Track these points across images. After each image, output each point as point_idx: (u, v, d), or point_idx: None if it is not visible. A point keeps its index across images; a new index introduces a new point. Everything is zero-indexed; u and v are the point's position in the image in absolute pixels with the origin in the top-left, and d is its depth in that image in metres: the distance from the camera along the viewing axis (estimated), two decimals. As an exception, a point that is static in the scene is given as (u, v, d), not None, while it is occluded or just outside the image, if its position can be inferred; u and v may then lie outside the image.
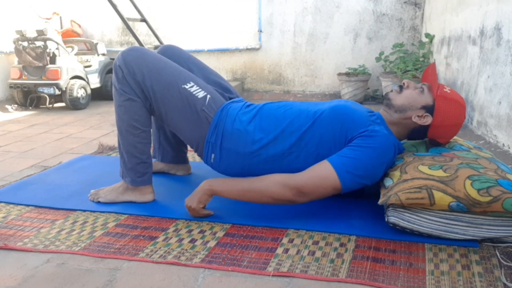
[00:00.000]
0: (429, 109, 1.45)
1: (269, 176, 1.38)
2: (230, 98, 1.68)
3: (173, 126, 1.57)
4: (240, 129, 1.49)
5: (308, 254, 1.20)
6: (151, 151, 1.65)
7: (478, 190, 1.19)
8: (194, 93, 1.51)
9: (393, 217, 1.28)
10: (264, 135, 1.47)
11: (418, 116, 1.45)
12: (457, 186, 1.21)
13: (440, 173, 1.27)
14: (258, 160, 1.48)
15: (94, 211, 1.53)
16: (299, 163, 1.46)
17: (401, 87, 1.50)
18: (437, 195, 1.21)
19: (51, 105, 3.98)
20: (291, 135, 1.45)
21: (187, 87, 1.51)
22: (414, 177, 1.28)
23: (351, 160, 1.33)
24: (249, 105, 1.60)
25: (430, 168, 1.30)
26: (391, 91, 1.52)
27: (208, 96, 1.53)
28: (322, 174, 1.33)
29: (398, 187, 1.28)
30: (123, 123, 1.54)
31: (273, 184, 1.34)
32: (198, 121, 1.51)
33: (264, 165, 1.48)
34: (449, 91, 1.46)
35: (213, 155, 1.53)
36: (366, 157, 1.33)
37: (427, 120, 1.45)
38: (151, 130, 1.62)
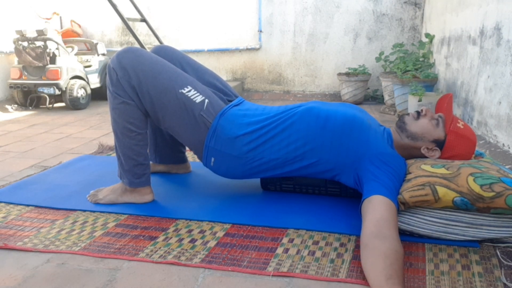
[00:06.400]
0: (440, 144, 1.44)
1: (365, 248, 1.11)
2: (229, 101, 1.65)
3: (170, 130, 1.55)
4: (239, 134, 1.47)
5: (308, 254, 1.20)
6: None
7: (481, 186, 1.18)
8: (191, 97, 1.48)
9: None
10: (265, 138, 1.46)
11: (428, 148, 1.45)
12: (460, 182, 1.21)
13: (442, 170, 1.27)
14: (260, 162, 1.48)
15: (94, 211, 1.52)
16: (301, 168, 1.46)
17: (418, 113, 1.47)
18: (441, 190, 1.21)
19: (51, 105, 3.98)
20: (293, 142, 1.44)
21: (184, 91, 1.48)
22: (417, 175, 1.28)
23: (386, 182, 1.27)
24: (251, 108, 1.58)
25: (432, 167, 1.31)
26: (408, 114, 1.50)
27: (206, 100, 1.50)
28: (382, 207, 1.19)
29: (401, 187, 1.28)
30: (118, 126, 1.52)
31: (370, 245, 1.10)
32: (196, 126, 1.49)
33: (266, 167, 1.48)
34: (462, 127, 1.44)
35: (213, 159, 1.52)
36: (395, 177, 1.31)
37: (435, 154, 1.44)
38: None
